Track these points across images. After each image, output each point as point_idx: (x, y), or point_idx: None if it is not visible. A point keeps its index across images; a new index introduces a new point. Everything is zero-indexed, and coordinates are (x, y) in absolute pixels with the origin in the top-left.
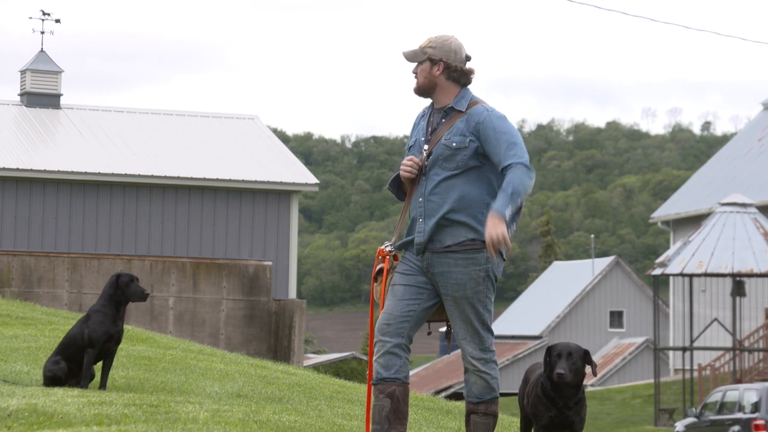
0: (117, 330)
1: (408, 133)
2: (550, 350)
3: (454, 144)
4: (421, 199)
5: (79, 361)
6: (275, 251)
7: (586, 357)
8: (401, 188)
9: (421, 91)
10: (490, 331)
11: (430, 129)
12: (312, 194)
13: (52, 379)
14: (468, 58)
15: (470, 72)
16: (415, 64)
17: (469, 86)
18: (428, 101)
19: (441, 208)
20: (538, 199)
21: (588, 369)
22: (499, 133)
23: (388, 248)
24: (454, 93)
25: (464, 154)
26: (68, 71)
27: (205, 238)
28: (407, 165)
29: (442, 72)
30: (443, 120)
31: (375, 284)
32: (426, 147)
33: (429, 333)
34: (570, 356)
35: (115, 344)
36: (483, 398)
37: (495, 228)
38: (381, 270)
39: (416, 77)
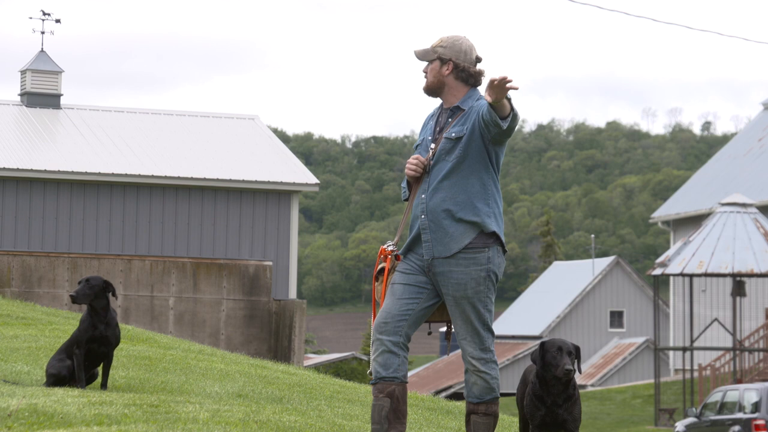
0: (98, 333)
1: (408, 132)
2: (545, 346)
3: (453, 135)
4: (423, 196)
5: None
6: (275, 251)
7: (578, 354)
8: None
9: (430, 90)
10: (491, 331)
11: (438, 129)
12: (312, 194)
13: (56, 377)
14: (479, 60)
15: (479, 73)
16: (426, 63)
17: (479, 87)
18: (438, 101)
19: (443, 204)
20: (538, 199)
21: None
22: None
23: (390, 248)
24: (462, 93)
25: (463, 141)
26: (68, 71)
27: (206, 238)
28: (412, 163)
29: (451, 72)
30: (449, 119)
31: (376, 284)
32: (432, 146)
33: (429, 333)
34: (570, 354)
35: (100, 346)
36: (483, 398)
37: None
38: (382, 270)
39: (426, 76)
